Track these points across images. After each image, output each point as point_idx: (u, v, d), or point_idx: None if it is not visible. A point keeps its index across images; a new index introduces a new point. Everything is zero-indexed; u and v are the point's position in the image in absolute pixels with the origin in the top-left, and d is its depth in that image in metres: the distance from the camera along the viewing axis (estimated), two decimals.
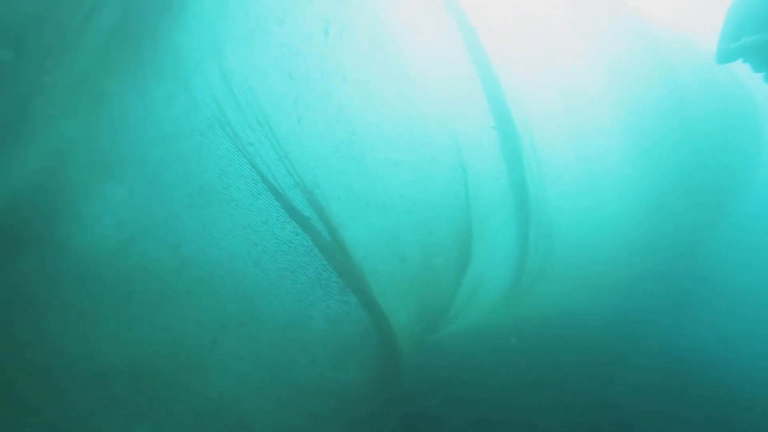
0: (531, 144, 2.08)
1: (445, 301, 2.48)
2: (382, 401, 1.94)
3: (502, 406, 3.30)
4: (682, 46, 2.87)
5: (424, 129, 1.86)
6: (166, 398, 1.50)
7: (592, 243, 2.45)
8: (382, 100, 1.84)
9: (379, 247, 1.92)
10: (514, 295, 2.90)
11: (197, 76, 1.83)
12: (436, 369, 3.12)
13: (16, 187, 1.95)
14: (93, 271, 1.74)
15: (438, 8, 1.92)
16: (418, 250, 2.02)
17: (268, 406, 1.53)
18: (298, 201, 1.75)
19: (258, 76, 1.79)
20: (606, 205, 2.32)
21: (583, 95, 2.12)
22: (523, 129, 2.05)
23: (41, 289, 1.78)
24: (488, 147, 1.95)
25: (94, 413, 1.50)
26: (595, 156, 2.20)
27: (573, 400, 3.38)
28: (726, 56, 1.97)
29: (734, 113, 3.19)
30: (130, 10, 2.00)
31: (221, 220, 1.67)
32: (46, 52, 2.00)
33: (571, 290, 2.99)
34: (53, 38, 2.00)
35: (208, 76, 1.80)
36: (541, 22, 2.07)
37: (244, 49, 1.80)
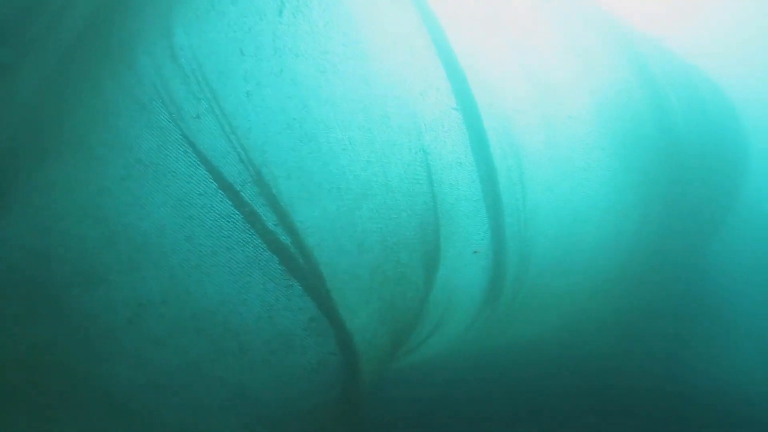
0: (498, 128, 1.97)
1: (414, 308, 2.26)
2: (331, 415, 1.68)
3: None
4: (656, 48, 2.86)
5: (381, 109, 1.76)
6: (63, 388, 1.27)
7: (574, 241, 2.27)
8: (338, 77, 1.76)
9: (334, 232, 1.75)
10: (494, 310, 2.66)
11: (144, 56, 1.76)
12: (404, 400, 2.81)
13: None
14: (8, 256, 1.56)
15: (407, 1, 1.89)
16: (377, 238, 1.85)
17: (184, 400, 1.30)
18: (243, 176, 1.60)
19: (208, 52, 1.72)
20: (585, 199, 2.17)
21: (553, 82, 2.04)
22: (488, 114, 1.95)
23: None
24: (451, 130, 1.83)
25: None
26: (570, 145, 2.08)
27: None
28: None
29: (714, 116, 3.12)
30: (97, 9, 1.97)
31: (155, 192, 1.52)
32: (23, 49, 1.94)
33: (556, 305, 2.76)
34: (28, 35, 1.95)
35: (155, 54, 1.73)
36: (507, 7, 2.04)
37: (196, 29, 1.75)
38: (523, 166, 2.14)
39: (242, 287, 1.44)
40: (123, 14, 1.91)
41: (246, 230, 1.52)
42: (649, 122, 2.24)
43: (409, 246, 1.93)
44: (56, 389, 1.31)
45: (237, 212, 1.53)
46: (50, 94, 1.88)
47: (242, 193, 1.57)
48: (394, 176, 1.81)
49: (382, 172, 1.79)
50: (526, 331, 2.84)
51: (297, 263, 1.63)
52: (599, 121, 2.09)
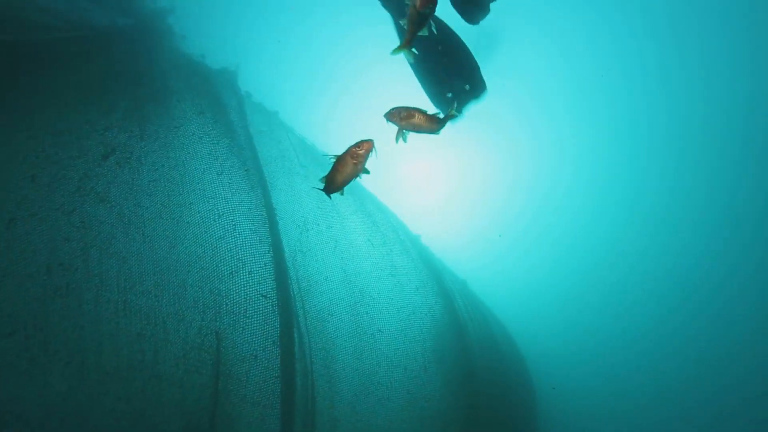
0: (309, 328, 1.87)
1: None
2: None
3: None
4: (460, 284, 3.36)
5: (180, 278, 1.58)
6: None
7: None
8: (140, 234, 1.59)
9: (48, 425, 1.24)
10: None
11: None
12: None
13: None
14: None
15: (246, 186, 1.96)
16: None
17: None
18: None
19: None
20: (386, 420, 2.02)
21: (367, 292, 2.15)
22: (301, 311, 1.88)
23: None
24: (254, 318, 1.69)
25: None
26: (376, 359, 2.05)
27: None
28: None
29: (503, 354, 3.53)
30: None
31: None
32: None
33: None
34: None
35: None
36: (340, 218, 2.26)
37: None
38: (333, 375, 1.99)
39: None
40: None
41: None
42: (450, 348, 2.43)
43: None
44: None
45: None
46: None
47: None
48: (169, 358, 1.48)
49: (153, 351, 1.46)
50: None
51: None
52: (405, 339, 2.18)
